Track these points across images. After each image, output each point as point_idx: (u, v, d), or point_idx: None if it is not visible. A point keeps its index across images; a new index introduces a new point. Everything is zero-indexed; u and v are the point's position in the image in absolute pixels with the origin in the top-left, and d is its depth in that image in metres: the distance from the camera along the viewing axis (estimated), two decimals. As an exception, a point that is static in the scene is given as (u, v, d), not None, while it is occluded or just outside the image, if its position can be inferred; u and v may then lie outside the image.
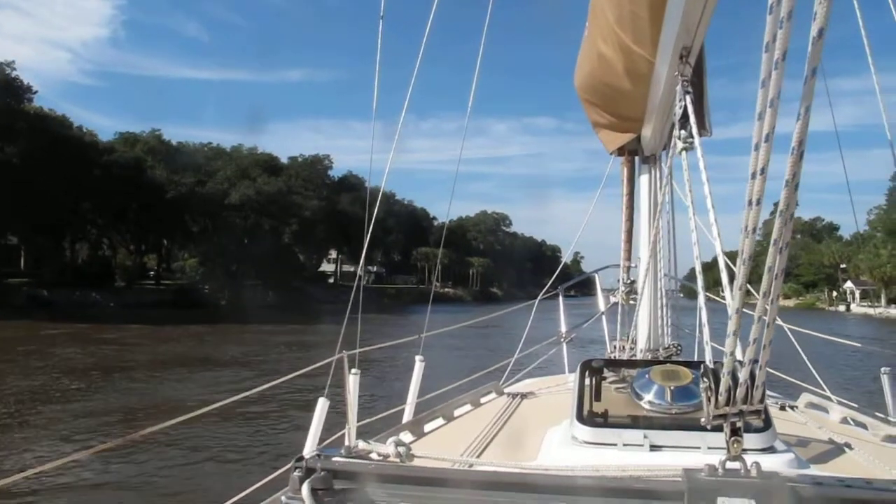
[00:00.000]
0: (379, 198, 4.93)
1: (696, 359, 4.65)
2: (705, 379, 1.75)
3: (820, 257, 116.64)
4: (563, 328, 6.48)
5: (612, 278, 6.40)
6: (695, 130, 2.66)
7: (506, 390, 4.83)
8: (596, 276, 6.67)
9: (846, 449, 3.18)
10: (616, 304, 5.70)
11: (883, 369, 4.95)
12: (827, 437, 3.38)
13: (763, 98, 1.46)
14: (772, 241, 1.54)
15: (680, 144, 2.71)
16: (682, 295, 6.83)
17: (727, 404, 1.69)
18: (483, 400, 4.58)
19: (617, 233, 5.59)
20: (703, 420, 1.76)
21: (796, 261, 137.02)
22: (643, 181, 4.76)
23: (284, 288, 76.17)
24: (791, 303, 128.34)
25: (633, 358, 4.49)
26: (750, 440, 2.37)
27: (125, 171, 69.01)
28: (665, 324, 4.75)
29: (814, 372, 5.52)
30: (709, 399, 1.72)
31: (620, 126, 4.47)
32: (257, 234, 75.25)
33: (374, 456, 1.99)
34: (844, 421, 4.04)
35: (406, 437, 3.41)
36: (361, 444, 2.01)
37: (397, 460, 1.96)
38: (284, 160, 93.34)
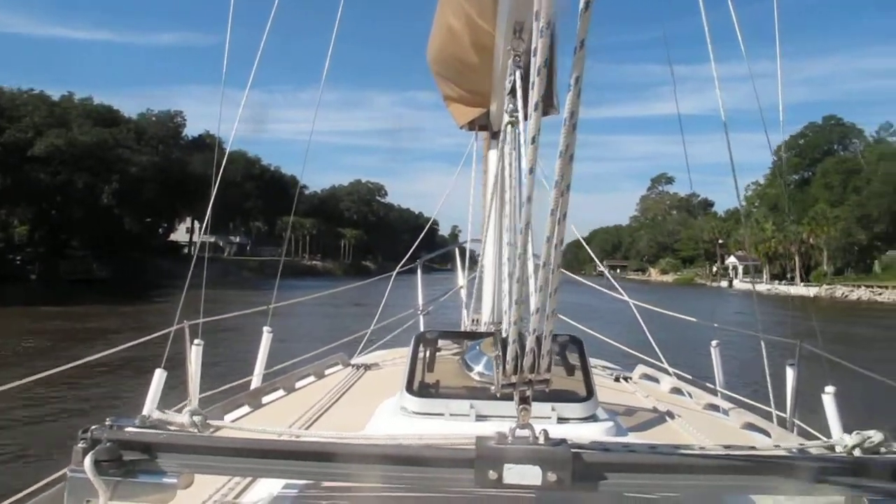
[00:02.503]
0: (225, 158, 5.10)
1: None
2: (494, 349, 1.85)
3: (699, 233, 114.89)
4: (421, 301, 6.59)
5: None
6: (520, 105, 2.66)
7: (352, 362, 4.97)
8: (456, 249, 6.79)
9: (668, 417, 3.45)
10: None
11: (713, 342, 5.34)
12: (652, 407, 3.70)
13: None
14: (549, 212, 1.61)
15: (506, 118, 2.80)
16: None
17: (515, 373, 1.76)
18: (328, 371, 4.72)
19: None
20: (493, 389, 1.87)
21: (675, 236, 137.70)
22: (491, 156, 4.81)
23: (124, 259, 68.09)
24: (670, 278, 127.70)
25: (476, 330, 4.64)
26: (570, 409, 2.68)
27: None
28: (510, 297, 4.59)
29: (653, 344, 5.86)
30: (499, 368, 1.80)
31: (470, 100, 4.52)
32: (70, 193, 61.78)
33: (171, 427, 1.93)
34: (674, 391, 4.46)
35: (244, 408, 3.55)
36: (156, 414, 1.93)
37: (193, 430, 1.92)
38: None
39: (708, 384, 4.89)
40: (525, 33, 2.67)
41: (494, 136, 4.64)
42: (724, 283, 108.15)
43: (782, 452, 1.97)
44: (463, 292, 6.29)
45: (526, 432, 1.69)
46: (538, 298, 1.71)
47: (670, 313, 6.34)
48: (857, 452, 1.87)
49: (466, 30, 3.64)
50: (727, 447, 1.87)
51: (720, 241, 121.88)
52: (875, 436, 1.88)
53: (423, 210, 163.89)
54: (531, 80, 1.58)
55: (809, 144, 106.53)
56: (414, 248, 7.57)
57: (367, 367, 4.75)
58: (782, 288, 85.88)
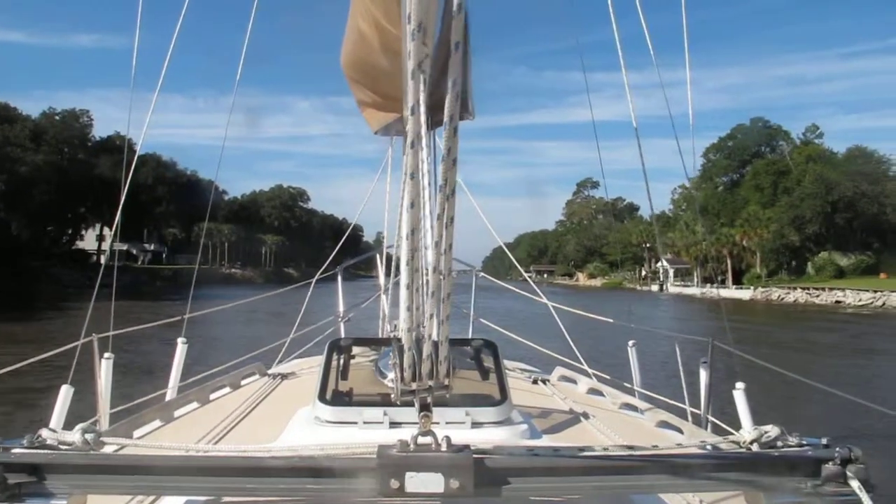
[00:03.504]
0: (135, 160, 5.13)
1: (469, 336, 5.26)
2: (393, 356, 1.85)
3: (627, 236, 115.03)
4: (342, 307, 6.57)
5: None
6: (422, 110, 2.53)
7: (269, 371, 4.91)
8: (377, 255, 6.80)
9: (583, 418, 3.51)
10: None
11: (630, 342, 5.48)
12: (568, 408, 3.77)
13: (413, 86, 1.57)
14: (435, 216, 1.64)
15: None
16: (479, 273, 7.53)
17: (414, 380, 1.77)
18: (244, 382, 4.66)
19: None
20: (392, 397, 1.87)
21: (602, 240, 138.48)
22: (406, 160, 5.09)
23: (13, 267, 61.96)
24: (598, 282, 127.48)
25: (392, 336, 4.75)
26: (484, 413, 2.68)
27: None
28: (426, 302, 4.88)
29: (572, 346, 6.11)
30: (398, 375, 1.82)
31: (384, 105, 4.46)
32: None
33: (63, 447, 1.88)
34: (591, 392, 4.53)
35: (154, 423, 3.44)
36: (47, 434, 1.90)
37: (86, 449, 1.88)
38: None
39: (626, 384, 5.06)
40: (428, 38, 2.38)
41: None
42: (655, 287, 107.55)
43: (683, 450, 2.13)
44: (384, 298, 6.25)
45: (428, 439, 1.70)
46: (431, 304, 1.73)
47: (588, 315, 6.49)
48: (755, 447, 1.98)
49: (375, 33, 3.61)
50: (630, 447, 1.89)
51: (647, 245, 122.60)
52: (772, 430, 1.98)
53: (347, 216, 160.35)
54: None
55: (738, 146, 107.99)
56: (334, 254, 7.55)
57: (284, 376, 4.72)
58: (718, 291, 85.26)
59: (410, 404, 1.81)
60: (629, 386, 5.01)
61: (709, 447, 2.19)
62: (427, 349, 1.74)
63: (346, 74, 4.51)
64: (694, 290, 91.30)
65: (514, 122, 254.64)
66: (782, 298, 72.47)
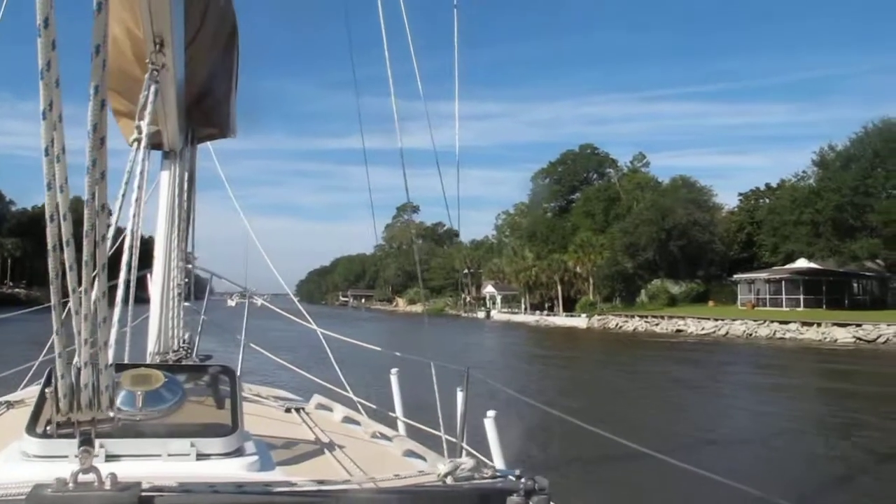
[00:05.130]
0: None
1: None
2: (51, 383, 1.73)
3: (451, 261, 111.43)
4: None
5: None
6: (145, 122, 2.63)
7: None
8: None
9: (327, 449, 3.41)
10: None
11: (392, 370, 5.79)
12: (315, 438, 3.65)
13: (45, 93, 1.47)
14: (84, 233, 1.55)
15: (134, 135, 2.69)
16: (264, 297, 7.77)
17: (72, 410, 1.68)
18: None
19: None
20: (48, 429, 1.78)
21: (423, 265, 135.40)
22: (163, 176, 4.67)
23: None
24: (419, 308, 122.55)
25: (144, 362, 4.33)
26: (212, 444, 2.40)
27: None
28: (178, 325, 4.64)
29: (339, 373, 6.46)
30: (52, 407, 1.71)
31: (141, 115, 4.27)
32: None
33: None
34: (345, 420, 4.40)
35: None
36: None
37: None
38: None
39: (390, 412, 5.17)
40: (167, 48, 2.45)
41: (166, 155, 4.59)
42: (482, 314, 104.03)
43: (382, 484, 2.15)
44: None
45: (90, 476, 1.55)
46: (87, 328, 1.63)
47: (355, 342, 6.70)
48: (449, 480, 2.02)
49: (127, 40, 3.48)
50: (321, 481, 1.92)
51: (470, 271, 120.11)
52: (467, 462, 2.04)
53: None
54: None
55: (568, 172, 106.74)
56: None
57: (11, 404, 4.11)
58: (553, 319, 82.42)
59: (71, 436, 1.67)
60: (392, 414, 5.23)
61: (433, 476, 2.19)
62: (87, 377, 1.61)
63: None
64: (528, 318, 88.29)
65: (333, 146, 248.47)
66: (620, 326, 70.02)
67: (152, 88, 2.68)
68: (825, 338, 50.69)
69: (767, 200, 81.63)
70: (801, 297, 65.26)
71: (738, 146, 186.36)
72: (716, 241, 78.46)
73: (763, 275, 70.75)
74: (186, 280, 5.14)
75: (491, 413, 4.24)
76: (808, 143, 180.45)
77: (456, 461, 2.00)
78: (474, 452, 3.91)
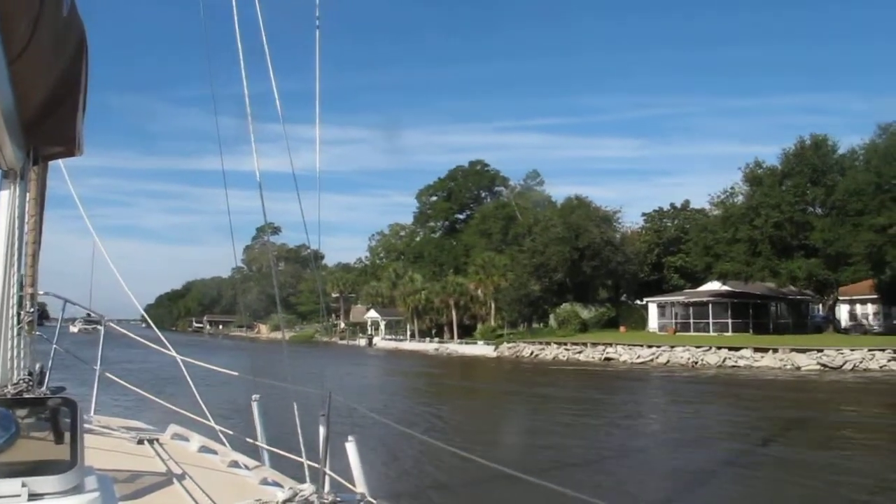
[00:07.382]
0: None
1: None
2: None
3: (321, 285, 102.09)
4: None
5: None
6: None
7: None
8: None
9: (178, 480, 3.36)
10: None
11: (253, 397, 5.43)
12: (166, 469, 3.60)
13: None
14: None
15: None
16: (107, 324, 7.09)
17: None
18: None
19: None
20: None
21: (288, 289, 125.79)
22: (2, 197, 4.31)
23: None
24: (287, 334, 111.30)
25: None
26: (47, 483, 2.30)
27: None
28: (18, 355, 4.14)
29: (200, 402, 5.96)
30: None
31: None
32: None
33: None
34: (202, 450, 4.40)
35: None
36: None
37: None
38: None
39: (248, 439, 5.03)
40: None
41: (6, 174, 4.22)
42: (363, 342, 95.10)
43: None
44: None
45: None
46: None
47: (214, 367, 6.42)
48: None
49: None
50: None
51: (343, 295, 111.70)
52: (307, 489, 2.05)
53: None
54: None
55: (459, 188, 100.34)
56: None
57: None
58: (455, 347, 74.81)
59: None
60: (251, 441, 5.02)
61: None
62: None
63: None
64: (421, 346, 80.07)
65: (186, 167, 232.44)
66: (536, 355, 62.72)
67: None
68: (785, 365, 45.76)
69: (675, 221, 78.91)
70: (730, 321, 61.66)
71: (588, 178, 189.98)
72: (630, 262, 73.96)
73: (681, 298, 67.06)
74: (37, 308, 4.34)
75: (352, 437, 4.07)
76: (650, 176, 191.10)
77: (296, 487, 1.98)
78: (336, 477, 3.98)
